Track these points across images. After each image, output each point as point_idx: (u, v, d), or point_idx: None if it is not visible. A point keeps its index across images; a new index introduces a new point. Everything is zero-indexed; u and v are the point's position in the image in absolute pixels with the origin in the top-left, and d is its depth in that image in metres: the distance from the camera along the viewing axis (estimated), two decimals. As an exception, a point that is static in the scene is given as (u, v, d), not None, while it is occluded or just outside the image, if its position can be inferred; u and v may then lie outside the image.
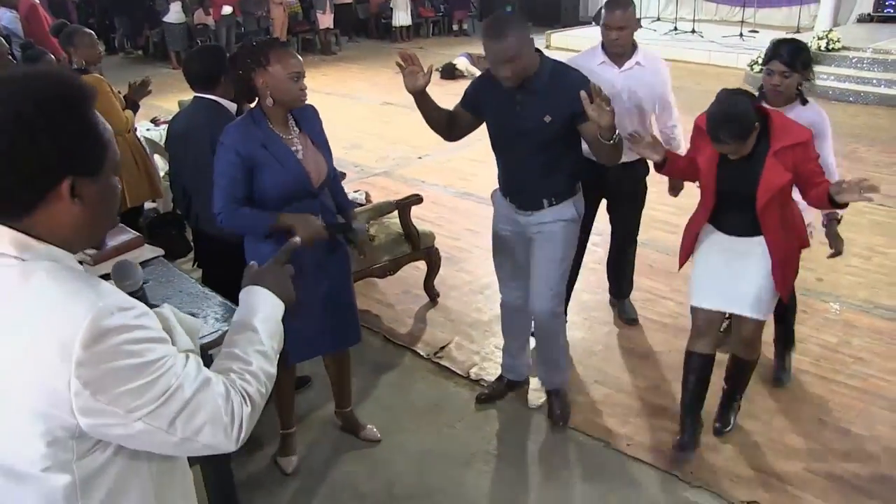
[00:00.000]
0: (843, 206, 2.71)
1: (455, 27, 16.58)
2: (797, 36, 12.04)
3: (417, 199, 4.28)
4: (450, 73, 11.40)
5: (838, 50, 10.75)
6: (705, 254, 3.06)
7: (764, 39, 12.40)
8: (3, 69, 3.42)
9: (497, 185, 3.35)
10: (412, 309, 4.48)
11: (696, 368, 3.16)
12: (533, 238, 3.21)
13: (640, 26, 4.03)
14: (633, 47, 3.65)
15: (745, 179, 2.79)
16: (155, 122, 6.30)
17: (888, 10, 12.84)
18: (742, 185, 2.81)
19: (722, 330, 3.50)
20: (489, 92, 2.98)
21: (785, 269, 2.93)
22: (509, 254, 3.36)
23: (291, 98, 2.66)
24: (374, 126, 8.96)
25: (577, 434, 3.40)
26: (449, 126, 3.15)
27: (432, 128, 3.13)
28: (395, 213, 4.27)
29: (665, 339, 4.11)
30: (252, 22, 13.30)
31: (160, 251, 3.04)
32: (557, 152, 3.01)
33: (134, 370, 1.14)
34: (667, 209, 5.81)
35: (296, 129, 2.77)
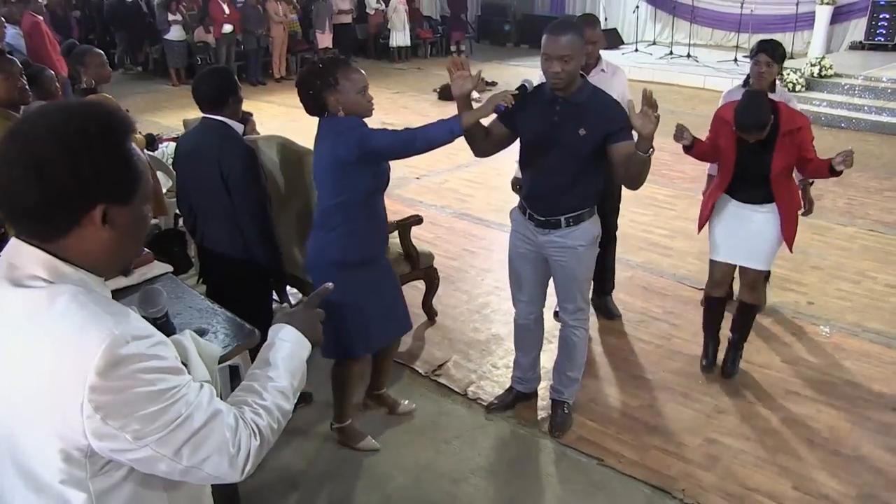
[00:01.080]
0: (839, 174, 3.45)
1: (453, 48, 16.71)
2: (791, 61, 12.36)
3: (417, 220, 4.37)
4: (447, 94, 11.51)
5: (830, 77, 10.94)
6: (723, 218, 3.78)
7: (757, 65, 12.59)
8: (15, 88, 3.49)
9: (515, 204, 3.46)
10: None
11: (714, 308, 4.04)
12: (554, 257, 3.32)
13: (605, 44, 4.43)
14: (598, 59, 4.11)
15: (761, 158, 3.53)
16: (155, 140, 6.34)
17: (879, 38, 13.06)
18: (758, 163, 3.54)
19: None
20: (526, 104, 3.02)
21: (790, 226, 3.67)
22: (524, 271, 3.46)
23: (362, 110, 2.96)
24: (373, 145, 9.03)
25: (571, 451, 3.48)
26: (486, 139, 3.21)
27: (468, 139, 3.16)
28: (395, 233, 4.34)
29: (658, 360, 4.20)
30: (252, 41, 13.42)
31: (169, 268, 3.11)
32: (584, 168, 3.13)
33: (146, 398, 1.18)
34: (661, 232, 5.94)
35: None
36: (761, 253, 3.75)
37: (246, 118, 4.83)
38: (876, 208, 6.68)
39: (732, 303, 4.25)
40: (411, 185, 7.39)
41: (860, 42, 13.42)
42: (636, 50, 14.76)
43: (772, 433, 3.59)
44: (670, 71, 13.20)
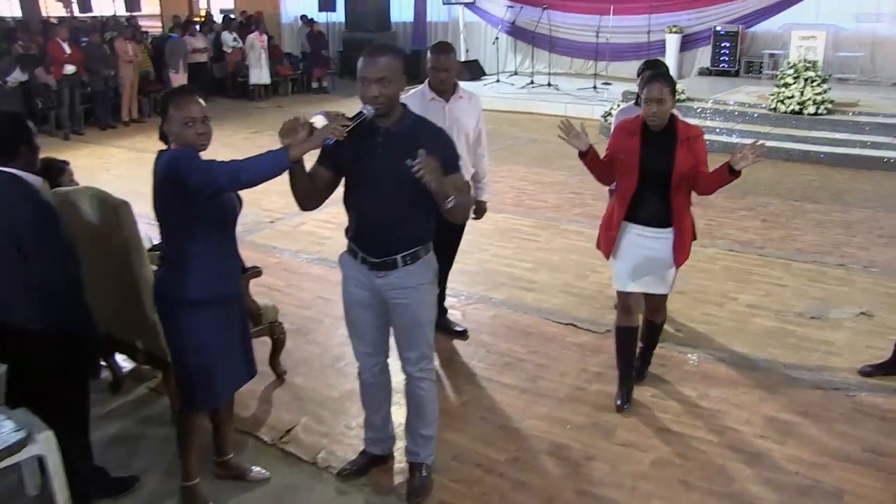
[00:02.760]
0: (738, 174, 3.41)
1: (315, 85, 16.37)
2: (645, 88, 12.72)
3: (255, 273, 3.94)
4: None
5: (683, 101, 11.26)
6: (624, 248, 3.72)
7: (616, 91, 12.90)
8: None
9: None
10: (256, 389, 4.10)
11: (627, 339, 3.89)
12: (393, 301, 3.03)
13: (460, 71, 4.61)
14: (455, 86, 4.26)
15: (665, 160, 3.49)
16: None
17: (723, 64, 13.69)
18: (660, 164, 3.50)
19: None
20: (349, 141, 2.75)
21: (685, 249, 3.69)
22: (364, 319, 3.14)
23: (190, 142, 2.76)
24: (227, 188, 8.52)
25: (432, 520, 3.14)
26: (310, 185, 2.92)
27: (292, 186, 2.88)
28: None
29: (524, 407, 3.93)
30: (99, 81, 12.59)
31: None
32: (415, 201, 2.84)
33: None
34: (524, 266, 5.76)
35: None
36: (666, 278, 3.75)
37: (61, 167, 4.33)
38: (733, 227, 6.77)
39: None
40: (265, 231, 6.93)
41: (707, 68, 14.03)
42: (498, 80, 14.85)
43: (645, 478, 3.36)
44: (532, 100, 13.31)
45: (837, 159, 9.30)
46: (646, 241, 3.67)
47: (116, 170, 9.76)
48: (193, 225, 2.83)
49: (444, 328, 4.62)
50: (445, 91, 4.21)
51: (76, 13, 25.35)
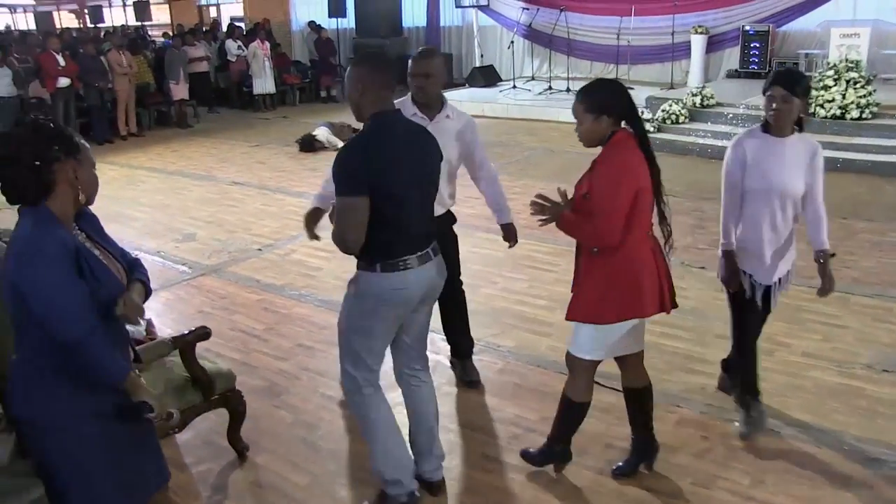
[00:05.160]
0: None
1: (323, 94, 15.73)
2: (671, 91, 11.92)
3: (202, 335, 3.20)
4: (309, 144, 10.46)
5: (713, 106, 10.48)
6: None
7: (640, 96, 12.11)
8: None
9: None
10: (212, 470, 3.40)
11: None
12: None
13: (445, 79, 4.35)
14: (442, 102, 3.70)
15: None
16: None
17: (753, 66, 12.86)
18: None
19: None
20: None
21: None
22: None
23: (95, 191, 2.26)
24: (217, 211, 7.84)
25: None
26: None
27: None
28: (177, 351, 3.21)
29: (533, 499, 3.18)
30: (94, 94, 12.01)
31: None
32: None
33: None
34: (538, 303, 5.04)
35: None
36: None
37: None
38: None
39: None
40: (250, 260, 6.23)
41: (735, 70, 13.21)
42: (514, 87, 14.10)
43: None
44: (550, 107, 12.54)
45: (888, 168, 8.44)
46: None
47: (105, 189, 8.95)
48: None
49: (464, 374, 4.13)
50: (430, 106, 3.65)
51: (89, 25, 25.11)
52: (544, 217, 2.86)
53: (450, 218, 3.92)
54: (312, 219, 3.65)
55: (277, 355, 4.44)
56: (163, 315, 5.16)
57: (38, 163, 2.02)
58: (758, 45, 12.80)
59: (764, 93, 3.23)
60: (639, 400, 3.19)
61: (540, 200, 2.85)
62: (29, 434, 2.20)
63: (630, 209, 2.73)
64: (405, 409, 3.15)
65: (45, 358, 2.09)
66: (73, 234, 2.11)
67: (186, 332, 3.18)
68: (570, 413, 3.15)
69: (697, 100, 10.51)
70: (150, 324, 3.60)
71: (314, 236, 3.63)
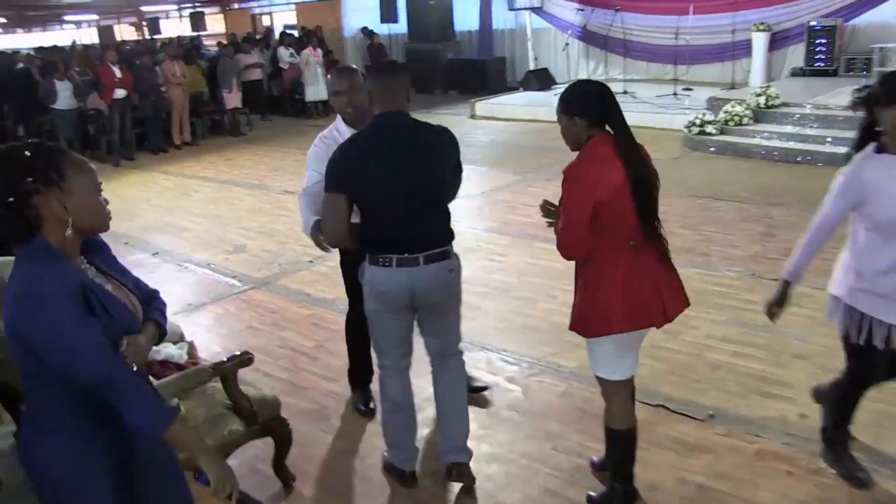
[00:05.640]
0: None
1: (376, 99, 15.63)
2: (733, 92, 11.47)
3: (245, 360, 3.03)
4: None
5: (778, 106, 10.02)
6: None
7: (699, 97, 11.71)
8: None
9: None
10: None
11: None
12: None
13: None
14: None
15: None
16: None
17: (819, 63, 12.31)
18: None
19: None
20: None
21: None
22: None
23: (102, 220, 1.92)
24: (268, 221, 7.76)
25: None
26: None
27: None
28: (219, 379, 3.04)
29: None
30: (148, 105, 12.11)
31: None
32: None
33: None
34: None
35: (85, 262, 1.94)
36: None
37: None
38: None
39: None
40: (301, 272, 6.10)
41: (801, 68, 12.65)
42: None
43: None
44: (606, 110, 12.18)
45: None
46: None
47: (158, 199, 9.15)
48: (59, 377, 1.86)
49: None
50: (363, 122, 3.13)
51: (147, 36, 25.63)
52: (550, 220, 2.86)
53: None
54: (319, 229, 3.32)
55: (327, 375, 4.27)
56: (212, 331, 5.05)
57: (11, 199, 1.75)
58: (824, 42, 12.24)
59: (878, 104, 2.69)
60: (627, 441, 2.90)
61: (546, 205, 2.89)
62: (40, 484, 2.01)
63: (593, 222, 2.59)
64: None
65: (58, 409, 1.90)
66: (80, 268, 1.89)
67: (227, 359, 3.00)
68: (616, 444, 2.92)
69: (762, 100, 10.06)
70: (191, 346, 3.43)
71: (325, 248, 3.33)
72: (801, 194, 7.34)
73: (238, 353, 3.07)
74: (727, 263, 5.66)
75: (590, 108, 2.65)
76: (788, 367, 4.04)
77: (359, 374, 3.93)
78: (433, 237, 2.93)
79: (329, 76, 3.41)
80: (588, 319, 2.73)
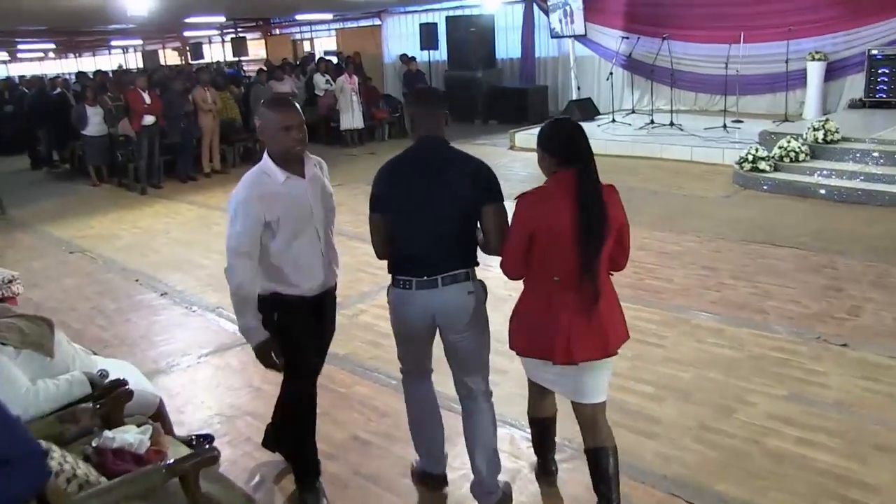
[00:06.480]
0: None
1: (412, 128, 15.24)
2: (786, 125, 10.80)
3: (209, 459, 2.52)
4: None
5: (838, 142, 9.34)
6: None
7: (751, 130, 11.07)
8: None
9: None
10: None
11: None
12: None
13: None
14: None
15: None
16: None
17: (881, 94, 11.59)
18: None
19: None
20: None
21: None
22: None
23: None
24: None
25: None
26: None
27: None
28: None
29: None
30: (177, 131, 11.83)
31: None
32: None
33: None
34: (645, 390, 4.14)
35: None
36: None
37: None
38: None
39: None
40: (313, 320, 5.61)
41: (860, 100, 11.93)
42: (613, 120, 13.21)
43: None
44: (652, 143, 11.58)
45: None
46: None
47: (177, 231, 8.79)
48: None
49: None
50: (296, 161, 3.07)
51: (190, 61, 25.75)
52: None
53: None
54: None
55: (328, 451, 3.72)
56: (207, 389, 4.57)
57: None
58: (887, 71, 11.53)
59: None
60: (593, 462, 2.98)
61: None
62: None
63: (525, 251, 2.80)
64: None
65: None
66: None
67: (186, 455, 2.50)
68: (532, 428, 3.41)
69: (819, 134, 9.38)
70: (156, 431, 2.81)
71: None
72: (868, 241, 6.67)
73: (204, 438, 2.59)
74: (787, 323, 5.00)
75: (557, 148, 2.81)
76: (869, 462, 3.40)
77: (308, 463, 3.38)
78: (452, 261, 2.98)
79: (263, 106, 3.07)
80: (509, 331, 2.99)
